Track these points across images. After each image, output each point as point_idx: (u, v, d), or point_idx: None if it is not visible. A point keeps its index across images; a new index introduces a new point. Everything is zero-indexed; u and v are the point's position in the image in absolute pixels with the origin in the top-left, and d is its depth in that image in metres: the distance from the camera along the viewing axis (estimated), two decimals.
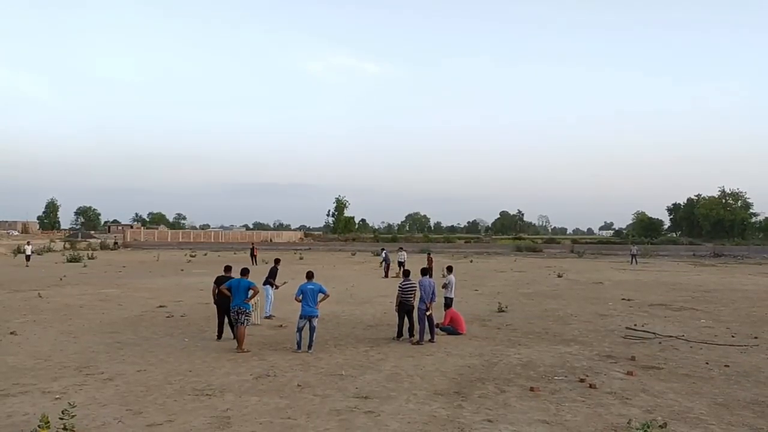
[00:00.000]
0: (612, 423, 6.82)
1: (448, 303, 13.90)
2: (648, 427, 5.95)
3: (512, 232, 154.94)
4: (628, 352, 10.94)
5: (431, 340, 11.88)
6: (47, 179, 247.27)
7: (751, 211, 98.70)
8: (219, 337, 11.87)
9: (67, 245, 60.70)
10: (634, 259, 43.03)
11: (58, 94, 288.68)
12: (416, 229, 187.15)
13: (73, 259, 40.06)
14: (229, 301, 11.08)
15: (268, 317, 14.71)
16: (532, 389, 8.23)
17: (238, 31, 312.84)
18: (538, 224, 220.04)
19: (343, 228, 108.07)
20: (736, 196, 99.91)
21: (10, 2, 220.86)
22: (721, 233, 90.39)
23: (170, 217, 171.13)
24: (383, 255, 30.26)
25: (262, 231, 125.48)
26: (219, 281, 11.80)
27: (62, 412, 5.93)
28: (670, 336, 12.72)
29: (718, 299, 19.92)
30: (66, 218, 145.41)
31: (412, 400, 7.75)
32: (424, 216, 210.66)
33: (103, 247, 63.66)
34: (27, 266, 34.49)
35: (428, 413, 7.16)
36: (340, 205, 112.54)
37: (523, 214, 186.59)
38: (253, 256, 39.34)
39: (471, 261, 44.96)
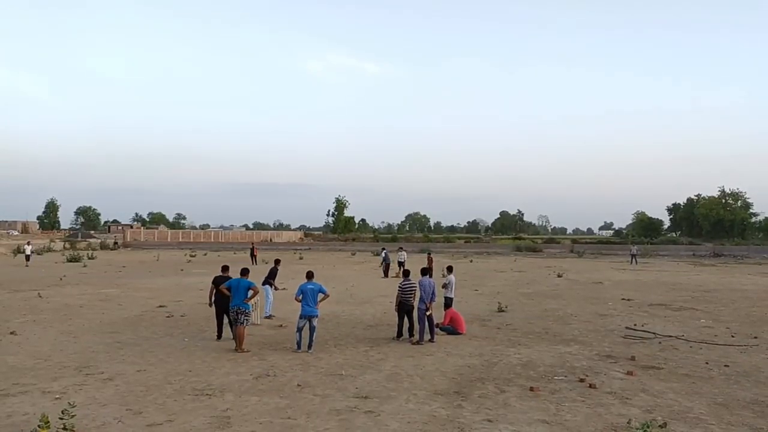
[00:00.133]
0: (612, 423, 6.82)
1: (448, 303, 13.90)
2: (648, 426, 5.95)
3: (512, 232, 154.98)
4: (628, 352, 10.94)
5: (431, 340, 11.89)
6: (47, 179, 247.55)
7: (750, 211, 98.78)
8: (219, 337, 11.87)
9: (67, 245, 60.71)
10: (634, 259, 43.04)
11: (58, 94, 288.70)
12: (416, 229, 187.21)
13: (73, 259, 40.06)
14: (229, 300, 11.08)
15: (268, 317, 14.71)
16: (532, 389, 8.23)
17: (238, 31, 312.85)
18: (538, 224, 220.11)
19: (343, 228, 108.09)
20: (735, 196, 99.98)
21: (10, 2, 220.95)
22: (721, 233, 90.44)
23: (170, 217, 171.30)
24: (383, 255, 30.28)
25: (262, 231, 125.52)
26: (217, 281, 11.80)
27: (62, 412, 5.93)
28: (670, 336, 12.72)
29: (718, 299, 19.92)
30: (66, 218, 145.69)
31: (412, 399, 7.75)
32: (424, 216, 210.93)
33: (103, 247, 63.66)
34: (27, 266, 34.50)
35: (428, 413, 7.16)
36: (340, 205, 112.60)
37: (523, 214, 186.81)
38: (253, 256, 39.34)
39: (471, 261, 44.97)
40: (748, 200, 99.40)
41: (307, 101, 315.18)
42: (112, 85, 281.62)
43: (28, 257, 36.81)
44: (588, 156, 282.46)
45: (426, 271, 12.73)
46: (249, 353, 10.57)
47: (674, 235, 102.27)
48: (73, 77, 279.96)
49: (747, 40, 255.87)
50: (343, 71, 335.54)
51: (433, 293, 12.02)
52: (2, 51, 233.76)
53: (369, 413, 7.13)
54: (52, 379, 8.67)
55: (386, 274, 28.85)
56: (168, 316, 15.09)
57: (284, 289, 15.00)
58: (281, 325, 13.74)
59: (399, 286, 12.27)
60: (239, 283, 11.03)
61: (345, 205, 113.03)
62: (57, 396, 7.75)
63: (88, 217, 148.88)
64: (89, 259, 41.55)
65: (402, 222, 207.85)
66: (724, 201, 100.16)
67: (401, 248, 32.40)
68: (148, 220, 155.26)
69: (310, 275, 11.48)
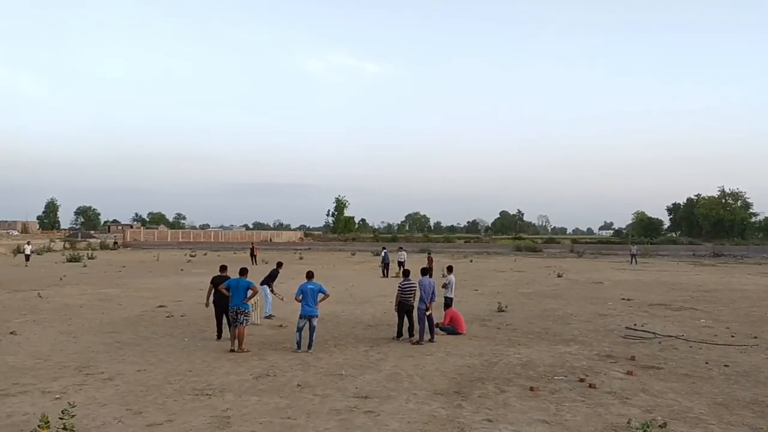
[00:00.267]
0: (612, 423, 6.82)
1: (447, 303, 13.90)
2: (648, 426, 5.95)
3: (512, 231, 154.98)
4: (628, 352, 10.94)
5: (431, 340, 11.89)
6: (47, 179, 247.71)
7: (750, 211, 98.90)
8: (218, 336, 11.87)
9: (67, 245, 60.69)
10: (633, 259, 43.03)
11: (58, 94, 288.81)
12: (416, 229, 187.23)
13: (73, 259, 40.03)
14: (228, 300, 11.06)
15: (268, 317, 14.71)
16: (531, 389, 8.23)
17: (238, 31, 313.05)
18: (537, 224, 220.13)
19: (342, 228, 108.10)
20: (735, 196, 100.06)
21: (10, 2, 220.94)
22: (721, 233, 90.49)
23: (170, 217, 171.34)
24: (382, 254, 30.29)
25: (262, 231, 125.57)
26: (215, 281, 11.80)
27: (62, 412, 5.93)
28: (670, 336, 12.72)
29: (718, 299, 19.92)
30: (66, 218, 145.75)
31: (412, 399, 7.75)
32: (424, 216, 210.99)
33: (103, 246, 63.64)
34: (26, 266, 34.50)
35: (428, 413, 7.16)
36: (340, 205, 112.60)
37: (522, 214, 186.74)
38: (252, 256, 39.36)
39: (471, 261, 44.97)
40: (748, 200, 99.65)
41: (307, 101, 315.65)
42: (112, 85, 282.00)
43: (27, 257, 36.79)
44: (588, 156, 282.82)
45: (426, 271, 12.73)
46: (249, 353, 10.57)
47: (674, 235, 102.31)
48: (73, 77, 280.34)
49: (747, 40, 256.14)
50: (343, 71, 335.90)
51: (433, 293, 12.02)
52: (2, 51, 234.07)
53: (369, 413, 7.13)
54: (52, 379, 8.67)
55: (384, 274, 28.86)
56: (168, 316, 15.09)
57: (281, 298, 14.99)
58: (281, 325, 13.74)
59: (399, 286, 12.27)
60: (238, 283, 11.02)
61: (345, 205, 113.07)
62: (57, 396, 7.75)
63: (88, 217, 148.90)
64: (89, 259, 41.55)
65: (402, 222, 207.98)
66: (724, 201, 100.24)
67: (401, 248, 32.42)
68: (148, 220, 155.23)
69: (310, 275, 11.47)
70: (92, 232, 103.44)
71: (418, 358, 10.41)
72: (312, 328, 10.90)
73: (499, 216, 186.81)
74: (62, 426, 5.80)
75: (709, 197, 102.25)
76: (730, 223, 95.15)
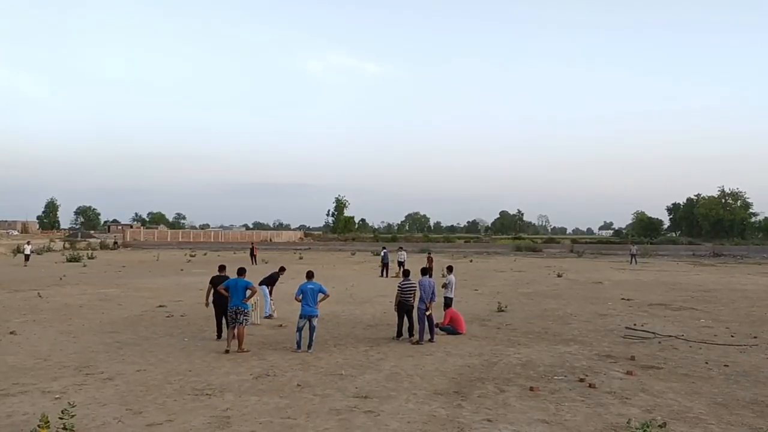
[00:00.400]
0: (611, 423, 6.82)
1: (447, 303, 13.90)
2: (647, 426, 5.95)
3: (512, 231, 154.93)
4: (628, 352, 10.94)
5: (431, 340, 11.89)
6: (47, 179, 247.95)
7: (750, 211, 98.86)
8: (218, 336, 11.86)
9: (67, 245, 60.65)
10: (633, 259, 43.01)
11: (58, 94, 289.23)
12: (416, 229, 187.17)
13: (73, 259, 40.00)
14: (227, 300, 11.04)
15: (268, 317, 14.71)
16: (531, 389, 8.23)
17: (238, 31, 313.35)
18: (537, 224, 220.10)
19: (342, 228, 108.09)
20: (735, 195, 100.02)
21: (10, 2, 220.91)
22: (721, 233, 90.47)
23: (170, 217, 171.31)
24: (382, 254, 30.29)
25: (262, 231, 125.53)
26: (214, 281, 11.79)
27: (62, 412, 5.93)
28: (670, 336, 12.72)
29: (718, 299, 19.93)
30: (66, 218, 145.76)
31: (412, 399, 7.75)
32: (424, 216, 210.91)
33: (103, 246, 63.61)
34: (26, 266, 34.48)
35: (428, 413, 7.16)
36: (340, 205, 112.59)
37: (522, 214, 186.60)
38: (252, 255, 39.36)
39: (471, 261, 44.96)
40: (747, 200, 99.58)
41: (307, 101, 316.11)
42: (112, 85, 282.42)
43: (27, 257, 36.74)
44: (588, 156, 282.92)
45: (426, 271, 12.73)
46: (249, 353, 10.56)
47: (674, 235, 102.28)
48: (73, 77, 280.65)
49: (747, 40, 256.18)
50: (343, 71, 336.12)
51: (433, 293, 12.02)
52: (2, 51, 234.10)
53: (369, 413, 7.13)
54: (52, 379, 8.67)
55: (383, 274, 28.86)
56: (168, 316, 15.09)
57: (273, 310, 15.05)
58: (281, 325, 13.73)
59: (398, 286, 12.27)
60: (237, 283, 11.00)
61: (345, 205, 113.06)
62: (57, 396, 7.75)
63: (87, 217, 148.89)
64: (89, 258, 41.53)
65: (402, 222, 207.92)
66: (723, 201, 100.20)
67: (401, 248, 32.43)
68: (147, 219, 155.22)
69: (310, 275, 11.47)
70: (92, 232, 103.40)
71: (418, 358, 10.41)
72: (312, 328, 10.90)
73: (499, 216, 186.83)
74: (62, 426, 5.80)
75: (709, 197, 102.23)
76: (729, 223, 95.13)
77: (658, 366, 9.87)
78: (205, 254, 53.70)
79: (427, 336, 11.93)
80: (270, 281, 15.31)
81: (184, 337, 12.18)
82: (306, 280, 11.26)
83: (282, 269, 16.13)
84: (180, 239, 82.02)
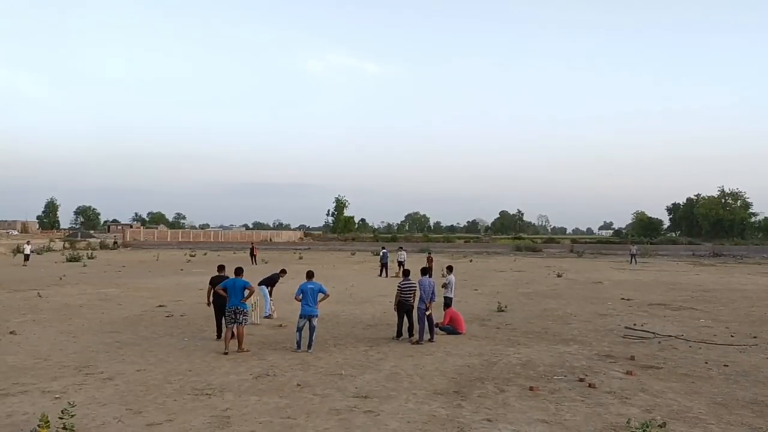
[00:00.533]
0: (611, 422, 6.82)
1: (447, 303, 13.90)
2: (647, 426, 5.95)
3: (512, 231, 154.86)
4: (628, 352, 10.95)
5: (431, 340, 11.89)
6: (47, 179, 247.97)
7: (750, 210, 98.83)
8: (218, 336, 11.85)
9: (67, 245, 60.65)
10: (633, 259, 43.01)
11: (58, 94, 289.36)
12: (416, 229, 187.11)
13: (73, 259, 39.99)
14: (226, 300, 11.02)
15: (268, 317, 14.71)
16: (531, 389, 8.23)
17: (238, 31, 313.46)
18: (537, 224, 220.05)
19: (342, 228, 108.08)
20: (735, 195, 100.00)
21: (10, 2, 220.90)
22: (721, 233, 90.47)
23: (170, 217, 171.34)
24: (380, 254, 30.28)
25: (262, 231, 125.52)
26: (214, 281, 11.77)
27: (62, 412, 5.93)
28: (670, 335, 12.73)
29: (718, 299, 19.93)
30: (65, 218, 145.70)
31: (412, 399, 7.75)
32: (424, 216, 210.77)
33: (103, 246, 63.61)
34: (26, 266, 34.47)
35: (428, 413, 7.16)
36: (340, 205, 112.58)
37: (522, 214, 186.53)
38: (252, 255, 39.35)
39: (471, 261, 44.97)
40: (747, 200, 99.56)
41: (307, 101, 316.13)
42: (112, 84, 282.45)
43: (27, 257, 36.75)
44: (588, 156, 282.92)
45: (426, 271, 12.73)
46: (249, 353, 10.56)
47: (674, 234, 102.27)
48: (73, 77, 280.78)
49: (747, 40, 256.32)
50: (343, 71, 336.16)
51: (432, 293, 12.02)
52: (2, 51, 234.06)
53: (368, 413, 7.13)
54: (52, 379, 8.67)
55: (381, 274, 28.86)
56: (168, 316, 15.09)
57: (273, 310, 15.05)
58: (281, 325, 13.73)
59: (398, 286, 12.27)
60: (235, 283, 10.97)
61: (345, 204, 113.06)
62: (57, 396, 7.75)
63: (87, 217, 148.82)
64: (89, 258, 41.53)
65: (402, 222, 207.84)
66: (723, 201, 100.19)
67: (401, 248, 32.44)
68: (147, 219, 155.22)
69: (310, 275, 11.47)
70: (92, 231, 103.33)
71: (418, 357, 10.42)
72: (312, 328, 10.90)
73: (498, 216, 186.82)
74: (62, 426, 5.81)
75: (708, 197, 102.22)
76: (729, 223, 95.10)
77: (658, 366, 9.87)
78: (205, 254, 53.70)
79: (427, 336, 11.93)
80: (270, 282, 15.30)
81: (184, 337, 12.18)
82: (306, 280, 11.26)
83: (283, 271, 16.10)
84: (180, 239, 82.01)
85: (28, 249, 37.51)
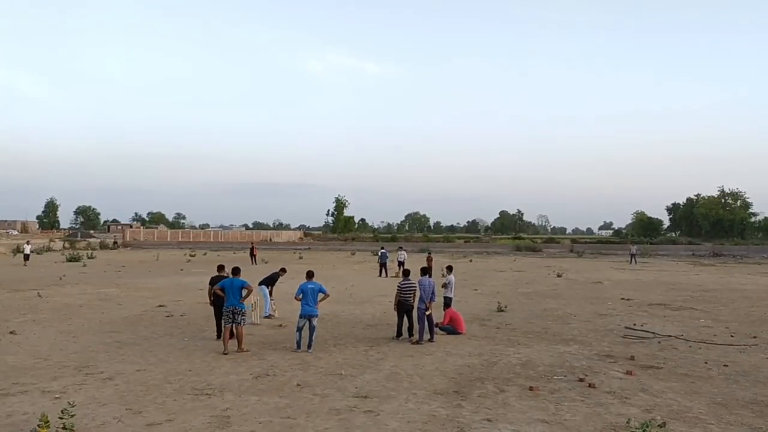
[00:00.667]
0: (611, 422, 6.82)
1: (447, 302, 13.90)
2: (647, 426, 5.95)
3: (512, 231, 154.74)
4: (628, 352, 10.95)
5: (431, 340, 11.89)
6: (47, 179, 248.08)
7: (750, 210, 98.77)
8: (218, 336, 11.83)
9: (67, 245, 60.66)
10: (633, 259, 43.02)
11: (58, 94, 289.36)
12: (416, 229, 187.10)
13: (73, 259, 40.00)
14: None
15: (268, 317, 14.71)
16: (531, 389, 8.23)
17: (238, 31, 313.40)
18: (537, 224, 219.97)
19: (342, 228, 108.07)
20: (735, 195, 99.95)
21: (10, 2, 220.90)
22: (721, 233, 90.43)
23: (170, 217, 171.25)
24: (379, 254, 30.26)
25: (262, 230, 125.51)
26: (214, 281, 11.75)
27: (62, 412, 5.93)
28: (670, 335, 12.73)
29: (717, 299, 19.93)
30: (65, 218, 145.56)
31: (412, 399, 7.76)
32: (424, 216, 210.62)
33: (103, 246, 63.63)
34: (25, 266, 34.47)
35: (427, 413, 7.16)
36: (340, 205, 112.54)
37: (522, 214, 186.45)
38: (252, 255, 39.34)
39: (470, 261, 44.97)
40: (747, 200, 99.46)
41: (307, 101, 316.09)
42: (112, 84, 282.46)
43: (27, 257, 36.74)
44: (588, 156, 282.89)
45: (426, 271, 12.73)
46: (249, 353, 10.56)
47: (674, 234, 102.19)
48: (73, 77, 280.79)
49: (747, 40, 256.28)
50: (343, 71, 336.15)
51: (432, 293, 12.02)
52: (2, 51, 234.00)
53: (368, 413, 7.13)
54: (52, 379, 8.67)
55: (381, 273, 28.85)
56: (168, 316, 15.09)
57: (274, 310, 15.05)
58: (281, 325, 13.73)
59: (398, 286, 12.27)
60: (232, 282, 10.95)
61: (345, 204, 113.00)
62: (57, 395, 7.75)
63: (87, 217, 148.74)
64: (89, 258, 41.53)
65: (402, 222, 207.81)
66: (723, 201, 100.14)
67: (401, 248, 32.43)
68: (147, 219, 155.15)
69: (310, 275, 11.47)
70: (92, 231, 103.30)
71: (418, 357, 10.42)
72: (312, 328, 10.90)
73: (498, 216, 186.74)
74: (62, 425, 5.81)
75: (708, 197, 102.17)
76: (729, 223, 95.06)
77: (658, 366, 9.87)
78: (204, 254, 53.71)
79: (426, 336, 11.93)
80: (270, 281, 15.31)
81: (184, 337, 12.18)
82: (306, 280, 11.26)
83: (283, 270, 16.12)
84: (180, 239, 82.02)
85: (28, 249, 37.50)
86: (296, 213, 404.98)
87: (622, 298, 19.78)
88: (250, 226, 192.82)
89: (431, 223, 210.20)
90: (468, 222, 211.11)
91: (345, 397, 7.84)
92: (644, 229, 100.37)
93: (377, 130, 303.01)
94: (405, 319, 12.14)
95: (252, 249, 40.61)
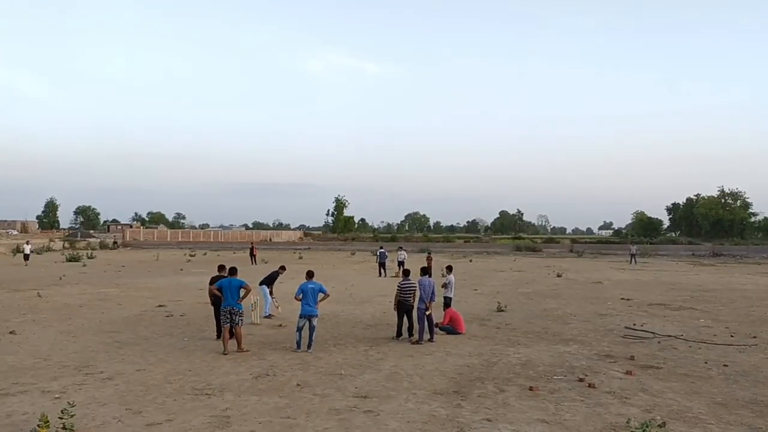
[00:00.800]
0: (611, 422, 6.83)
1: (447, 302, 13.90)
2: (647, 426, 5.95)
3: (512, 231, 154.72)
4: (627, 352, 10.95)
5: (431, 340, 11.89)
6: (47, 178, 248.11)
7: (750, 210, 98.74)
8: (218, 336, 11.83)
9: (67, 245, 60.67)
10: (633, 259, 43.02)
11: (58, 94, 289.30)
12: (416, 229, 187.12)
13: (73, 259, 39.99)
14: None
15: (268, 317, 14.71)
16: (531, 388, 8.23)
17: (238, 31, 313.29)
18: (537, 224, 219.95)
19: (342, 228, 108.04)
20: (735, 195, 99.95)
21: (10, 2, 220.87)
22: (721, 233, 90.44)
23: (170, 217, 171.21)
24: (378, 254, 30.26)
25: (262, 230, 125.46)
26: (214, 281, 11.74)
27: (62, 412, 5.93)
28: (669, 335, 12.73)
29: (717, 299, 19.93)
30: (65, 218, 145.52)
31: (412, 399, 7.76)
32: (424, 216, 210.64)
33: (103, 246, 63.65)
34: (25, 265, 34.47)
35: (427, 413, 7.16)
36: (340, 205, 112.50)
37: (522, 214, 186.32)
38: (252, 255, 39.33)
39: (470, 261, 44.97)
40: (747, 200, 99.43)
41: (307, 101, 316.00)
42: (112, 84, 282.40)
43: (26, 257, 36.75)
44: (588, 156, 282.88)
45: (425, 271, 12.73)
46: (249, 353, 10.56)
47: (673, 234, 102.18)
48: (73, 77, 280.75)
49: (747, 40, 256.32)
50: (343, 71, 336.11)
51: (432, 293, 12.03)
52: (2, 51, 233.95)
53: (368, 413, 7.13)
54: (52, 379, 8.67)
55: (380, 273, 28.84)
56: (167, 316, 15.09)
57: (277, 306, 15.04)
58: (281, 325, 13.74)
59: (398, 286, 12.27)
60: (231, 282, 10.92)
61: (345, 204, 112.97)
62: (56, 395, 7.75)
63: (87, 217, 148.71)
64: (89, 258, 41.53)
65: (402, 222, 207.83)
66: (723, 201, 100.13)
67: (401, 248, 32.43)
68: (147, 219, 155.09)
69: (310, 275, 11.47)
70: (92, 231, 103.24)
71: (418, 357, 10.42)
72: (312, 328, 10.90)
73: (498, 216, 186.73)
74: (62, 425, 5.81)
75: (708, 197, 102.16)
76: (729, 223, 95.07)
77: (658, 366, 9.87)
78: (204, 254, 53.71)
79: (426, 336, 11.93)
80: (270, 281, 15.31)
81: (184, 337, 12.18)
82: (306, 280, 11.26)
83: (282, 268, 16.15)
84: (180, 239, 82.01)
85: (27, 249, 37.50)
86: (296, 213, 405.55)
87: (622, 298, 19.79)
88: (250, 226, 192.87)
89: (431, 223, 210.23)
90: (468, 222, 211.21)
91: (345, 397, 7.84)
92: (644, 229, 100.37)
93: (377, 130, 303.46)
94: (405, 319, 12.14)
95: (252, 249, 40.59)
